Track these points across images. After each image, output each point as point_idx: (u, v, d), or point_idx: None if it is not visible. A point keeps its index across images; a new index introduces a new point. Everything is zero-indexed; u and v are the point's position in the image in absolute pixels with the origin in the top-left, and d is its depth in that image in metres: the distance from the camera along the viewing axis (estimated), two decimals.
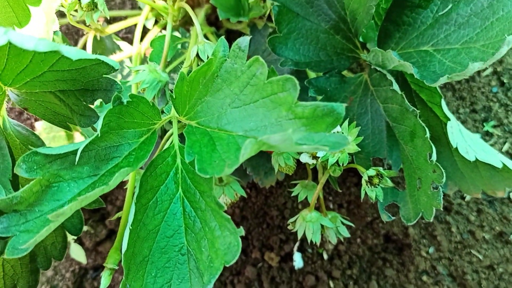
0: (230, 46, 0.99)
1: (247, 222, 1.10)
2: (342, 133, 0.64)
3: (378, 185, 0.64)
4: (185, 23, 1.03)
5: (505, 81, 1.16)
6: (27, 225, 0.48)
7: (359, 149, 0.63)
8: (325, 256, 1.08)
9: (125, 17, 1.18)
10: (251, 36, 0.99)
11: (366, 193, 0.64)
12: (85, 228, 1.11)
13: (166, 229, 0.55)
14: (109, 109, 0.51)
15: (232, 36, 1.15)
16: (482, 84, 1.17)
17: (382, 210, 0.70)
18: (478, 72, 1.17)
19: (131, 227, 0.50)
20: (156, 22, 1.02)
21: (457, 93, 1.16)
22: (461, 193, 1.10)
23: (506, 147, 1.12)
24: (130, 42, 0.97)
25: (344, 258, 1.07)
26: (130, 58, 0.96)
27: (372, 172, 0.63)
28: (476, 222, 1.09)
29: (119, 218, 0.64)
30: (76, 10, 0.71)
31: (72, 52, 0.47)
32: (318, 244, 0.84)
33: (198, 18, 0.97)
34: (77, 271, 1.10)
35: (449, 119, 0.71)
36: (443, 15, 0.70)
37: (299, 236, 0.77)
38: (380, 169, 0.63)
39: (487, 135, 1.14)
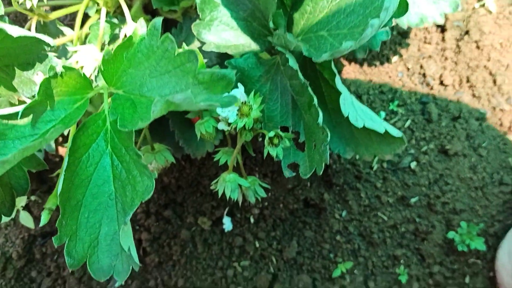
0: (167, 31, 1.09)
1: (182, 191, 1.20)
2: (249, 102, 0.75)
3: (278, 145, 0.76)
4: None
5: (409, 66, 1.31)
6: None
7: (261, 114, 0.75)
8: (252, 220, 1.19)
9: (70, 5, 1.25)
10: (162, 18, 1.08)
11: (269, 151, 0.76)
12: (33, 197, 1.19)
13: (97, 179, 0.65)
14: (45, 78, 0.60)
15: (169, 23, 1.24)
16: (390, 69, 1.31)
17: (284, 167, 0.82)
18: (387, 58, 1.31)
19: (65, 174, 0.60)
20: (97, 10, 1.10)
21: (368, 76, 1.30)
22: (370, 163, 1.24)
23: (408, 123, 1.27)
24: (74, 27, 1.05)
25: (268, 221, 1.19)
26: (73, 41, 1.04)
27: (272, 134, 0.75)
28: (382, 188, 1.23)
29: None
30: None
31: (14, 31, 0.57)
32: (240, 203, 0.95)
33: (134, 6, 1.07)
34: (26, 238, 1.18)
35: (341, 93, 0.83)
36: (335, 4, 0.82)
37: (219, 194, 0.87)
38: (279, 131, 0.75)
39: (392, 113, 1.28)
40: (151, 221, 1.17)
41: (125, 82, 0.65)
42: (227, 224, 1.19)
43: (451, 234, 1.18)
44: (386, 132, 0.84)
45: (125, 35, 0.76)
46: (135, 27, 0.63)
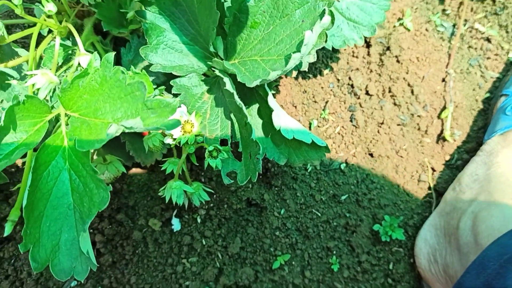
0: (117, 48, 1.16)
1: (134, 195, 1.28)
2: (191, 120, 0.85)
3: (217, 157, 0.85)
4: (77, 32, 1.18)
5: (339, 78, 1.43)
6: None
7: (201, 131, 0.84)
8: (199, 220, 1.29)
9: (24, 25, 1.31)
10: (115, 52, 1.16)
11: (209, 163, 0.86)
12: None
13: (57, 192, 0.73)
14: (10, 106, 0.67)
15: (118, 41, 1.31)
16: (322, 80, 1.43)
17: (224, 176, 0.92)
18: (320, 71, 1.43)
19: (29, 189, 0.68)
20: (50, 30, 1.16)
21: (302, 88, 1.42)
22: (305, 166, 1.36)
23: (337, 129, 1.39)
24: (28, 46, 1.10)
25: (214, 220, 1.29)
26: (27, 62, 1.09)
27: (211, 148, 0.85)
28: (316, 187, 1.35)
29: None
30: None
31: None
32: (186, 206, 1.04)
33: (86, 27, 1.13)
34: None
35: (273, 110, 0.94)
36: (267, 34, 0.92)
37: (167, 199, 0.96)
38: (217, 145, 0.85)
39: (324, 120, 1.40)
40: (105, 224, 1.24)
41: (80, 106, 0.73)
42: (176, 224, 1.27)
43: (376, 227, 1.32)
44: (313, 142, 0.95)
45: (79, 63, 0.83)
46: (90, 59, 0.71)
